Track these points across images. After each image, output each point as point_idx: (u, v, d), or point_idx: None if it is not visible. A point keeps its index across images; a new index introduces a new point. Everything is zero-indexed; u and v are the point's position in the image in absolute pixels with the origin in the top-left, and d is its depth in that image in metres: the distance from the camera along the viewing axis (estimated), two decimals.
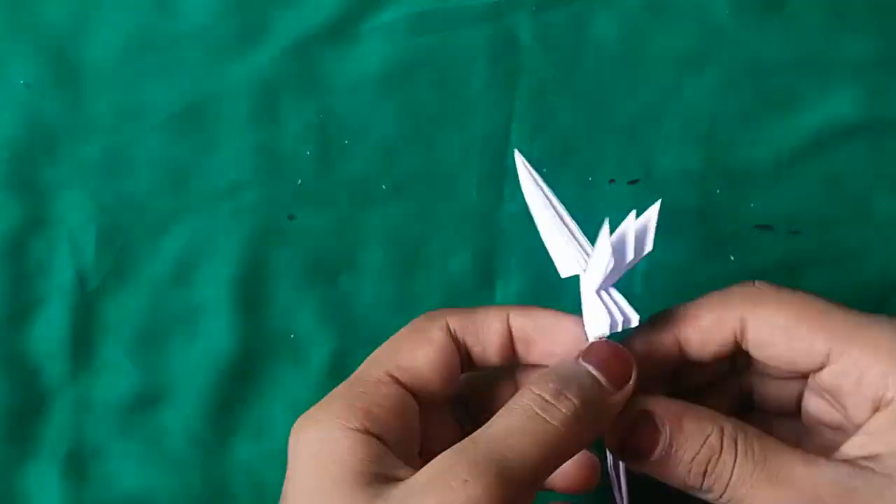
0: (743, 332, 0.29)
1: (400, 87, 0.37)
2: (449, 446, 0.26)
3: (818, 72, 0.37)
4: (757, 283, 0.29)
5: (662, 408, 0.28)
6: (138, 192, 0.38)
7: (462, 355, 0.30)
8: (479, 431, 0.26)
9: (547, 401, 0.26)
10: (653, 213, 0.30)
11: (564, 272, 0.30)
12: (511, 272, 0.38)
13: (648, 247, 0.29)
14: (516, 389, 0.29)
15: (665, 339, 0.30)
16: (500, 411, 0.27)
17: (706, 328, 0.29)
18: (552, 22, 0.37)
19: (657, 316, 0.30)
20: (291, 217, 0.38)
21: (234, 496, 0.38)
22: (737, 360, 0.31)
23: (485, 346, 0.30)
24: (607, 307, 0.29)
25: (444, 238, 0.38)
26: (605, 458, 0.30)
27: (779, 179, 0.37)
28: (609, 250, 0.28)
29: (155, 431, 0.38)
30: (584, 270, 0.29)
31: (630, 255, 0.29)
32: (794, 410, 0.31)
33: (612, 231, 0.29)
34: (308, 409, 0.27)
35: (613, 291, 0.30)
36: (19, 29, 0.37)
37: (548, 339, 0.30)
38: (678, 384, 0.32)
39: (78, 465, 0.38)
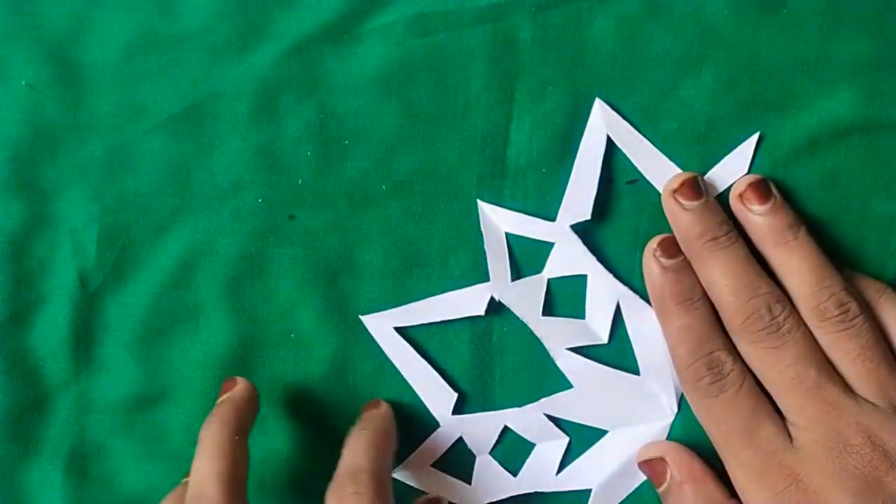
0: None
1: (400, 88, 0.37)
2: None
3: (815, 73, 0.37)
4: None
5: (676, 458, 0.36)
6: (139, 192, 0.38)
7: None
8: None
9: None
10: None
11: None
12: None
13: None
14: None
15: None
16: None
17: None
18: (551, 22, 0.37)
19: None
20: (292, 217, 0.38)
21: None
22: None
23: None
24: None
25: (444, 238, 0.38)
26: None
27: (776, 180, 0.37)
28: None
29: (156, 430, 0.38)
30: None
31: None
32: None
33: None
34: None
35: None
36: (21, 29, 0.37)
37: None
38: None
39: (80, 464, 0.38)
